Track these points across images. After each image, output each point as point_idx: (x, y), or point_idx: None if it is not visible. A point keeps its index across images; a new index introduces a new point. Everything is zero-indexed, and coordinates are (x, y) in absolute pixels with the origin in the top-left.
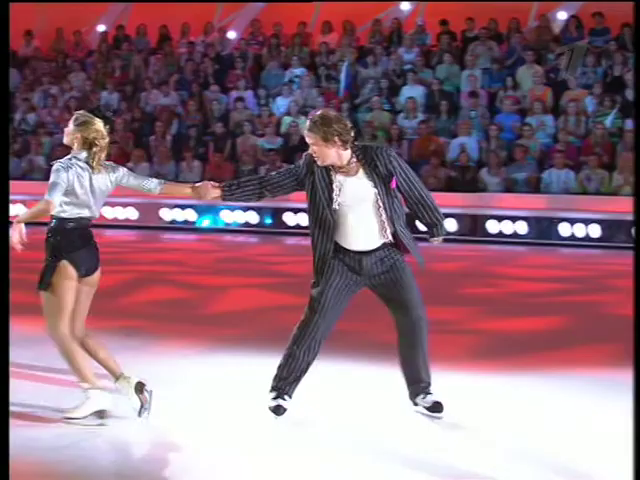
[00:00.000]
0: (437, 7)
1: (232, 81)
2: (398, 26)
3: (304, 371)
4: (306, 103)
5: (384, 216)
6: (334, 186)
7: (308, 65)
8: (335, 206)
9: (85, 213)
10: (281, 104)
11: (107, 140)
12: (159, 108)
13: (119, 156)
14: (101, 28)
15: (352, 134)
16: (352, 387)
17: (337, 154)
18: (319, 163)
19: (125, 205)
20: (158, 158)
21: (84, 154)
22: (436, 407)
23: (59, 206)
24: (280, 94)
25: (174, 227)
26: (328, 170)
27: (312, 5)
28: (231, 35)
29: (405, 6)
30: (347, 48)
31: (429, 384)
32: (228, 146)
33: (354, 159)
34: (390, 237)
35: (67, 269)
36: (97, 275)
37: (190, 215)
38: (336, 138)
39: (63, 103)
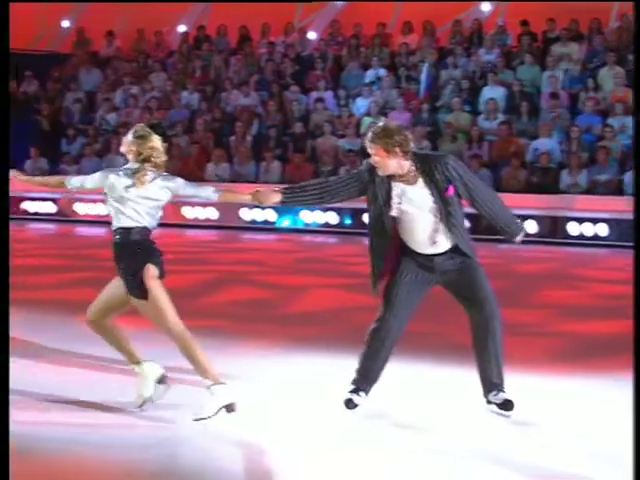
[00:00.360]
0: (518, 7)
1: (312, 82)
2: (479, 27)
3: (381, 369)
4: (386, 104)
5: (443, 223)
6: (393, 194)
7: (388, 66)
8: (393, 213)
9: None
10: (361, 105)
11: (164, 158)
12: (239, 108)
13: (199, 156)
14: (182, 28)
15: (412, 144)
16: (425, 388)
17: (398, 164)
18: (380, 173)
19: (205, 205)
20: (238, 158)
21: (136, 167)
22: (506, 405)
23: (141, 218)
24: (360, 95)
25: (254, 227)
26: (388, 178)
27: (392, 5)
28: (311, 36)
29: (486, 7)
30: (427, 49)
31: (500, 384)
32: (308, 147)
33: (413, 168)
34: (451, 243)
35: (150, 269)
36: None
37: (270, 215)
38: (397, 149)
39: (144, 103)
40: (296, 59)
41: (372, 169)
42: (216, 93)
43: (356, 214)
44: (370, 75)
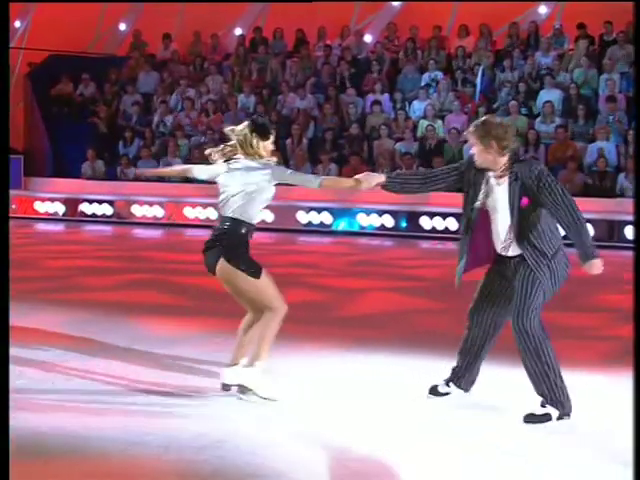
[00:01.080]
0: (574, 10)
1: (368, 84)
2: (535, 29)
3: (471, 364)
4: (442, 107)
5: (514, 228)
6: (482, 186)
7: (444, 69)
8: (477, 205)
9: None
10: (417, 108)
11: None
12: (296, 111)
13: None
14: (238, 31)
15: (514, 142)
16: (502, 389)
17: (494, 159)
18: (476, 164)
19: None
20: (295, 161)
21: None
22: (528, 418)
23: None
24: (416, 98)
25: (310, 230)
26: (483, 171)
27: (448, 7)
28: (367, 38)
29: (542, 9)
30: (484, 52)
31: (542, 399)
32: (364, 149)
33: (507, 166)
34: (520, 249)
35: None
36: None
37: (326, 218)
38: (493, 142)
39: (200, 106)
40: (352, 62)
41: (471, 161)
42: (272, 96)
43: (412, 217)
44: (426, 78)
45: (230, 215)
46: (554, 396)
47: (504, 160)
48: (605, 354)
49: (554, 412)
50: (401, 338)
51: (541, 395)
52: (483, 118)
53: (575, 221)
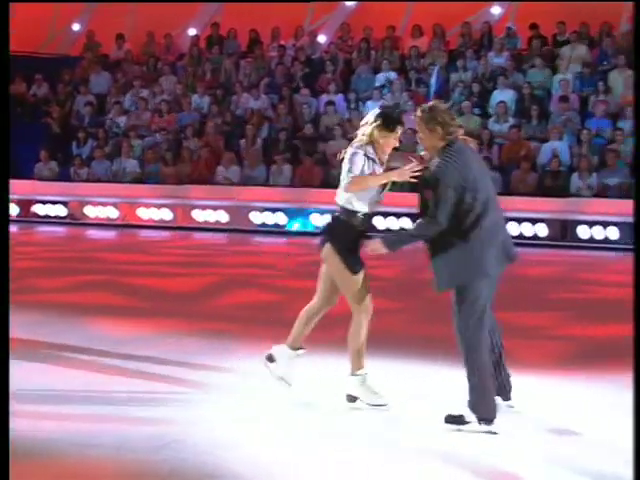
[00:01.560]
0: (528, 10)
1: (322, 85)
2: (488, 30)
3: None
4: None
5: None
6: None
7: (398, 69)
8: None
9: None
10: (371, 108)
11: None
12: (249, 111)
13: (209, 159)
14: (192, 32)
15: (457, 130)
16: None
17: (434, 143)
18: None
19: (216, 208)
20: (248, 161)
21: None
22: (447, 419)
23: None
24: (370, 98)
25: (264, 230)
26: None
27: (402, 7)
28: (321, 39)
29: (496, 9)
30: (437, 52)
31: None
32: (318, 150)
33: (438, 154)
34: None
35: None
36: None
37: (280, 218)
38: (439, 127)
39: (154, 106)
40: (306, 62)
41: None
42: (226, 96)
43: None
44: (380, 78)
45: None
46: (474, 399)
47: (441, 145)
48: (557, 354)
49: (471, 415)
50: None
51: (469, 395)
52: (431, 103)
53: (429, 216)
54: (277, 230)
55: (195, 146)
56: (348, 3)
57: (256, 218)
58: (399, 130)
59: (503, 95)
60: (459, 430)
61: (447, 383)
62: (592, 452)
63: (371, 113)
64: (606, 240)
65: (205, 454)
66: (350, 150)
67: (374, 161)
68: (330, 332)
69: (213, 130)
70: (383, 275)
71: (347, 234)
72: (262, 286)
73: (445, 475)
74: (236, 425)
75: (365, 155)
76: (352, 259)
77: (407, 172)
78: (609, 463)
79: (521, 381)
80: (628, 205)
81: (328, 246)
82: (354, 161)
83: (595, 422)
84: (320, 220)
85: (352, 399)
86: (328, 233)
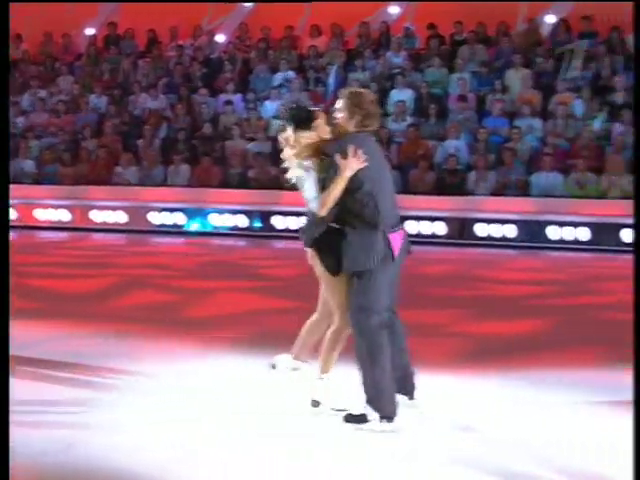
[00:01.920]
0: (426, 10)
1: (221, 85)
2: (386, 29)
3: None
4: None
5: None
6: None
7: (296, 68)
8: None
9: None
10: (270, 108)
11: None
12: (147, 112)
13: (107, 159)
14: (90, 31)
15: (374, 122)
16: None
17: (346, 130)
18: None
19: (114, 209)
20: (146, 162)
21: None
22: (347, 417)
23: None
24: (268, 98)
25: (162, 231)
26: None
27: (300, 7)
28: (220, 38)
29: (394, 9)
30: (335, 51)
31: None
32: (217, 150)
33: None
34: None
35: None
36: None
37: (179, 219)
38: (359, 116)
39: (51, 106)
40: (205, 62)
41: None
42: (124, 96)
43: (265, 217)
44: (278, 78)
45: None
46: (372, 396)
47: (352, 131)
48: (454, 352)
49: (372, 414)
50: (252, 339)
51: (365, 393)
52: (362, 90)
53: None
54: (176, 230)
55: (93, 146)
56: (246, 3)
57: (154, 218)
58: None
59: (401, 94)
60: (359, 429)
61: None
62: (498, 450)
63: (286, 130)
64: (504, 238)
65: (99, 459)
66: (297, 175)
67: (313, 169)
68: (200, 333)
69: (111, 130)
70: (280, 275)
71: (322, 232)
72: (160, 287)
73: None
74: (149, 428)
75: (307, 171)
76: (331, 259)
77: (354, 162)
78: (517, 461)
79: (421, 379)
80: (525, 203)
81: (309, 249)
82: (310, 187)
83: (496, 419)
84: (219, 220)
85: (316, 404)
86: (304, 233)
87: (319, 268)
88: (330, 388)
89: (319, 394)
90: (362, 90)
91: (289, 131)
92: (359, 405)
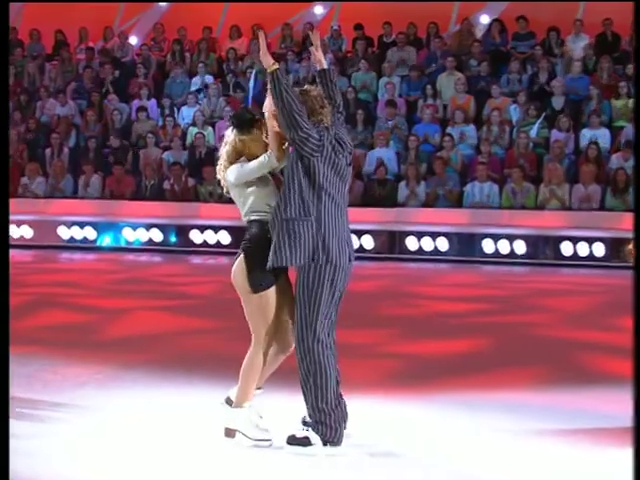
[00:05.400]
0: (352, 11)
1: (134, 90)
2: (311, 31)
3: None
4: (213, 113)
5: None
6: None
7: (215, 73)
8: None
9: None
10: (186, 114)
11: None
12: (55, 119)
13: (12, 170)
14: None
15: (322, 119)
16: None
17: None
18: None
19: (19, 223)
20: (54, 172)
21: None
22: (289, 439)
23: None
24: (185, 104)
25: (72, 246)
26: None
27: (219, 7)
28: (132, 40)
29: (318, 9)
30: (256, 54)
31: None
32: (130, 159)
33: None
34: None
35: None
36: None
37: (90, 233)
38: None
39: None
40: (116, 65)
41: None
42: (30, 102)
43: (182, 231)
44: (196, 82)
45: None
46: (317, 419)
47: None
48: (385, 373)
49: (315, 437)
50: (169, 361)
51: (308, 416)
52: (306, 86)
53: None
54: (87, 246)
55: None
56: (162, 3)
57: (64, 233)
58: (259, 127)
59: None
60: (300, 454)
61: (285, 404)
62: (431, 474)
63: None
64: (436, 251)
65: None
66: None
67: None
68: (113, 355)
69: (16, 138)
70: (198, 292)
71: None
72: (70, 306)
73: None
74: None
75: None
76: (257, 274)
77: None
78: None
79: (349, 402)
80: (458, 215)
81: (238, 265)
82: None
83: (430, 444)
84: (132, 235)
85: (231, 433)
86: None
87: (240, 284)
88: (251, 417)
89: (236, 423)
90: (306, 87)
91: (232, 135)
92: (301, 429)
